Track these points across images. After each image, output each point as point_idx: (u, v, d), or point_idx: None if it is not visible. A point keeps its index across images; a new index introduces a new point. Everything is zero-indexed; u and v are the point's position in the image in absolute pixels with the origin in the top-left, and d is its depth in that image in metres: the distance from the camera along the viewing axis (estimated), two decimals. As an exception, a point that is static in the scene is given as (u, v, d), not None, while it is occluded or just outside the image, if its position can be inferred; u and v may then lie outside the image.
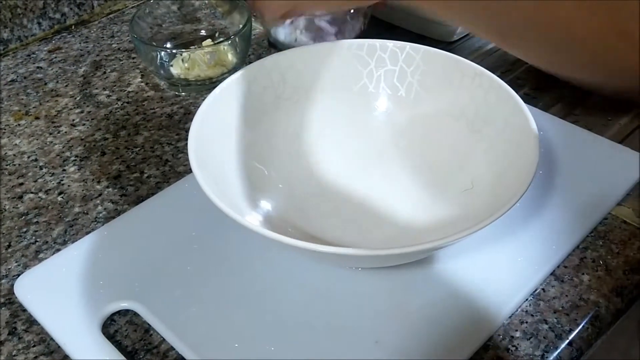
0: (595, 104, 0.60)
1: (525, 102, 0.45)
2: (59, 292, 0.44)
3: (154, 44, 0.67)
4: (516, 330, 0.41)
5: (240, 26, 0.63)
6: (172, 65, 0.63)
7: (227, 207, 0.37)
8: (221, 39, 0.65)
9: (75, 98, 0.65)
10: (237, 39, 0.63)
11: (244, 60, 0.66)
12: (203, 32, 0.71)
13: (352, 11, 0.64)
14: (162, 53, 0.63)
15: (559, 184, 0.50)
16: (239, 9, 0.67)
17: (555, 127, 0.55)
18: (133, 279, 0.44)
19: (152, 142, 0.59)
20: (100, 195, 0.53)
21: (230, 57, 0.65)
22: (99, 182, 0.55)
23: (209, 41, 0.66)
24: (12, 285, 0.45)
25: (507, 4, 0.42)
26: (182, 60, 0.63)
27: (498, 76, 0.47)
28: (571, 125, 0.56)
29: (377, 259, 0.39)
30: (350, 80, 0.52)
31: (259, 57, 0.64)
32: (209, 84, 0.64)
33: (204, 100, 0.46)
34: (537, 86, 0.63)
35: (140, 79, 0.67)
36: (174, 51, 0.65)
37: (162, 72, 0.63)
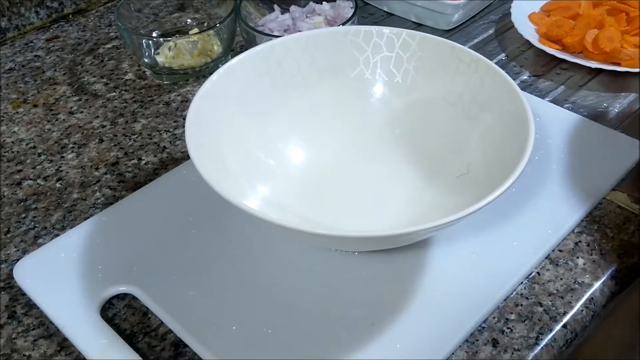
0: (591, 92, 0.61)
1: (522, 89, 0.46)
2: (58, 276, 0.44)
3: (142, 32, 0.66)
4: (511, 313, 0.42)
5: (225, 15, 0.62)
6: (157, 54, 0.63)
7: (225, 190, 0.38)
8: (205, 28, 0.63)
9: (73, 86, 0.65)
10: (221, 28, 0.62)
11: (229, 50, 0.65)
12: (196, 21, 0.70)
13: None
14: (146, 41, 0.62)
15: (554, 169, 0.50)
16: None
17: (552, 113, 0.56)
18: (131, 263, 0.45)
19: (150, 130, 0.59)
20: (98, 181, 0.54)
21: (216, 47, 0.64)
22: (97, 168, 0.55)
23: (196, 30, 0.65)
24: (12, 270, 0.45)
25: None
26: (169, 48, 0.62)
27: (496, 64, 0.47)
28: (567, 112, 0.56)
29: (372, 241, 0.39)
30: (347, 67, 0.52)
31: (247, 48, 0.61)
32: (192, 74, 0.64)
33: (200, 87, 0.46)
34: (535, 73, 0.63)
35: (137, 67, 0.67)
36: (157, 39, 0.64)
37: (147, 60, 0.63)
